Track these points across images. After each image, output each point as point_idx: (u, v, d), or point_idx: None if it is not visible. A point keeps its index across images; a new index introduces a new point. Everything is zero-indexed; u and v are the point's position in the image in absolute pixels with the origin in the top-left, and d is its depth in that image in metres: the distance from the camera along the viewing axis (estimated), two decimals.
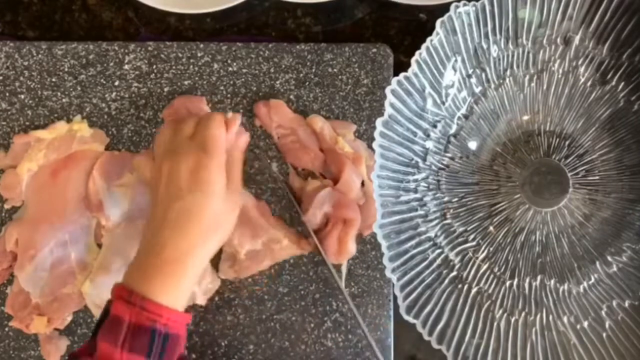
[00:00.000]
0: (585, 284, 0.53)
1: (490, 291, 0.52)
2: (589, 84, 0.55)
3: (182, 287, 0.46)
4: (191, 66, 0.59)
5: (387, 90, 0.47)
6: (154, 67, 0.59)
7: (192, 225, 0.47)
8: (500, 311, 0.51)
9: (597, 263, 0.53)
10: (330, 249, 0.55)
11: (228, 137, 0.51)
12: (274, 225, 0.56)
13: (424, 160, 0.53)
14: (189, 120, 0.52)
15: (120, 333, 0.43)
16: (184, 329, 0.46)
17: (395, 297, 0.47)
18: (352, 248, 0.55)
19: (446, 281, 0.50)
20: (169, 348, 0.45)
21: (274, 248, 0.55)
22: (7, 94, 0.58)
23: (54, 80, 0.59)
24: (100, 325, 0.45)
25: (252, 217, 0.56)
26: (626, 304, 0.51)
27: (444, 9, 0.49)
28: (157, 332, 0.44)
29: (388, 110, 0.47)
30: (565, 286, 0.53)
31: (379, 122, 0.47)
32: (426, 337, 0.46)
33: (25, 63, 0.59)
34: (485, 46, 0.52)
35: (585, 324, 0.51)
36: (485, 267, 0.53)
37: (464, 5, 0.48)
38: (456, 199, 0.54)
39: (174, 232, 0.47)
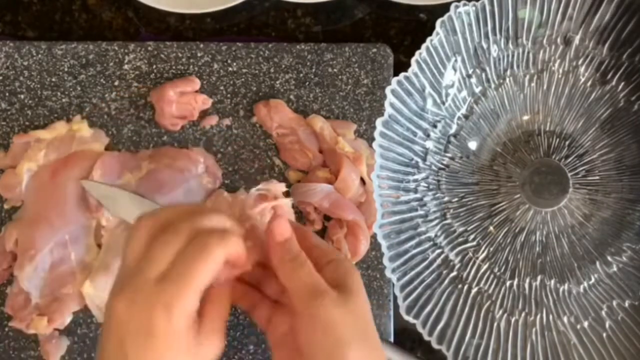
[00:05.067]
0: (585, 284, 0.53)
1: (490, 291, 0.52)
2: (589, 84, 0.55)
3: None
4: (191, 66, 0.59)
5: (387, 90, 0.47)
6: (154, 67, 0.59)
7: None
8: (500, 311, 0.51)
9: (597, 263, 0.53)
10: (343, 251, 0.55)
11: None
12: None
13: (424, 160, 0.53)
14: (179, 232, 0.38)
15: None
16: None
17: (395, 297, 0.47)
18: (364, 248, 0.55)
19: (446, 281, 0.50)
20: None
21: None
22: (7, 94, 0.58)
23: (53, 80, 0.59)
24: None
25: None
26: (626, 304, 0.51)
27: (444, 9, 0.49)
28: None
29: (388, 110, 0.47)
30: (565, 286, 0.53)
31: (379, 122, 0.47)
32: (426, 337, 0.46)
33: (25, 63, 0.59)
34: (485, 46, 0.52)
35: (585, 324, 0.51)
36: (485, 267, 0.53)
37: (464, 5, 0.49)
38: (456, 199, 0.54)
39: None
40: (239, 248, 0.39)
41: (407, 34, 0.62)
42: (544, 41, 0.53)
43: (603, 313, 0.51)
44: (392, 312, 0.56)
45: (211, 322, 0.39)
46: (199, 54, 0.59)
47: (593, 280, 0.53)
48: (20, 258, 0.54)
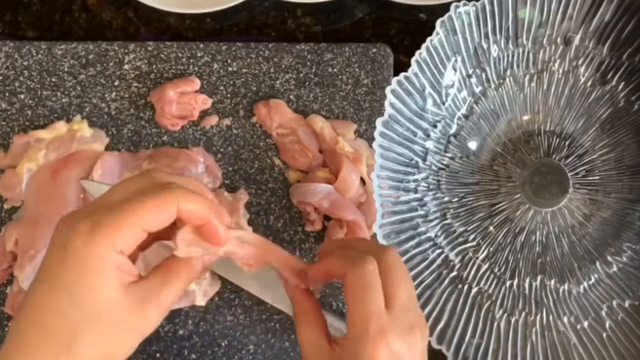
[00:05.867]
0: (585, 284, 0.53)
1: (490, 291, 0.52)
2: (589, 84, 0.55)
3: None
4: (191, 66, 0.59)
5: (387, 90, 0.47)
6: (154, 67, 0.59)
7: (30, 332, 0.31)
8: (500, 311, 0.51)
9: (597, 263, 0.53)
10: None
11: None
12: None
13: (424, 160, 0.53)
14: (150, 176, 0.35)
15: None
16: None
17: None
18: None
19: (446, 281, 0.50)
20: None
21: None
22: (7, 94, 0.58)
23: (53, 80, 0.59)
24: None
25: None
26: (626, 304, 0.51)
27: (444, 9, 0.49)
28: None
29: (388, 110, 0.47)
30: (566, 286, 0.53)
31: (379, 122, 0.47)
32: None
33: (25, 63, 0.59)
34: (485, 46, 0.52)
35: (585, 324, 0.51)
36: (485, 267, 0.53)
37: (464, 5, 0.49)
38: (456, 199, 0.54)
39: (12, 337, 0.32)
40: (201, 208, 0.34)
41: (407, 34, 0.62)
42: (544, 41, 0.53)
43: (603, 313, 0.51)
44: None
45: (152, 286, 0.34)
46: (199, 54, 0.59)
47: (593, 280, 0.53)
48: (20, 258, 0.54)
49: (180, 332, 0.55)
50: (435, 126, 0.53)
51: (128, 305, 0.33)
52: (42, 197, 0.56)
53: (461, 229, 0.54)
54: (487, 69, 0.54)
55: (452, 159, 0.54)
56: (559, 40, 0.53)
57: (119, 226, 0.32)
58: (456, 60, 0.51)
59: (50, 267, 0.33)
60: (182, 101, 0.57)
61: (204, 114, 0.58)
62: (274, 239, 0.57)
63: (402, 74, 0.48)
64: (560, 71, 0.55)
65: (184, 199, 0.33)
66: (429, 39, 0.48)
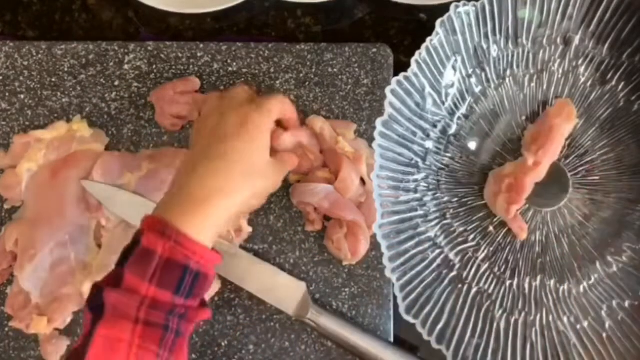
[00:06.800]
0: (585, 284, 0.53)
1: (490, 291, 0.52)
2: (589, 84, 0.55)
3: (211, 226, 0.46)
4: (191, 66, 0.59)
5: (387, 90, 0.47)
6: (154, 67, 0.59)
7: (225, 168, 0.48)
8: (500, 311, 0.51)
9: (597, 263, 0.53)
10: (343, 251, 0.55)
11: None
12: None
13: (424, 160, 0.53)
14: (243, 87, 0.54)
15: (150, 266, 0.42)
16: (213, 270, 0.46)
17: (395, 297, 0.47)
18: (363, 248, 0.55)
19: (446, 281, 0.50)
20: (198, 287, 0.44)
21: None
22: (7, 94, 0.58)
23: (53, 80, 0.59)
24: (127, 255, 0.43)
25: None
26: (626, 304, 0.51)
27: (444, 9, 0.49)
28: (189, 269, 0.43)
29: (388, 110, 0.47)
30: (565, 286, 0.53)
31: (379, 122, 0.47)
32: (426, 337, 0.46)
33: (25, 63, 0.59)
34: (485, 46, 0.52)
35: (585, 324, 0.51)
36: (485, 267, 0.53)
37: (464, 5, 0.49)
38: (456, 199, 0.54)
39: (207, 171, 0.47)
40: (293, 110, 0.55)
41: (407, 34, 0.62)
42: (544, 41, 0.53)
43: (603, 313, 0.51)
44: (392, 312, 0.56)
45: (278, 158, 0.53)
46: (199, 54, 0.59)
47: (593, 280, 0.53)
48: (20, 258, 0.54)
49: None
50: (435, 126, 0.53)
51: (270, 164, 0.51)
52: (42, 197, 0.56)
53: (461, 229, 0.54)
54: (487, 69, 0.54)
55: (452, 159, 0.54)
56: (559, 40, 0.53)
57: (269, 108, 0.52)
58: (456, 60, 0.51)
59: (236, 126, 0.50)
60: (182, 101, 0.57)
61: None
62: (274, 239, 0.57)
63: (402, 74, 0.48)
64: (560, 71, 0.55)
65: (284, 101, 0.54)
66: (429, 39, 0.48)
